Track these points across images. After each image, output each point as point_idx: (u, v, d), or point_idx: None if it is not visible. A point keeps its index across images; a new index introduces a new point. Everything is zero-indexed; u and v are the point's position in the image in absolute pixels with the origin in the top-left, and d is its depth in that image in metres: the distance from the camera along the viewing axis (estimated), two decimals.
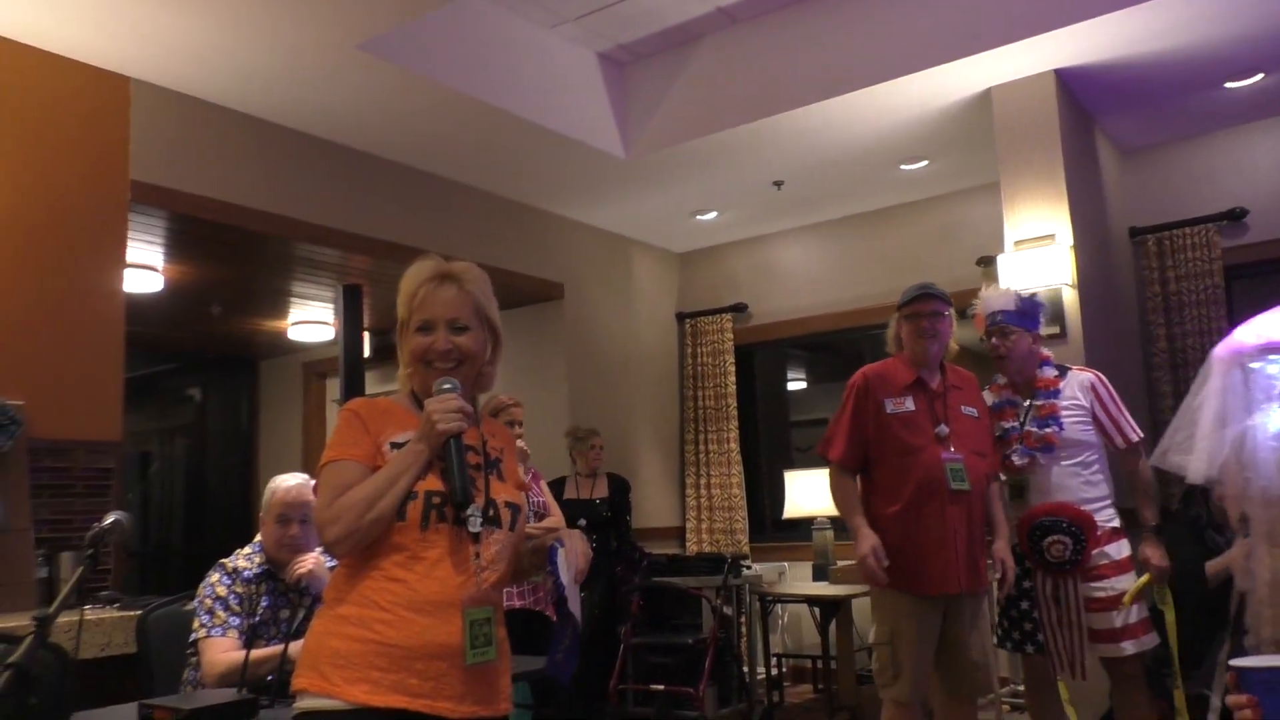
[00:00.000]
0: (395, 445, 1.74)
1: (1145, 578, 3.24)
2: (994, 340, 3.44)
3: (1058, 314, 4.42)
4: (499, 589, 1.77)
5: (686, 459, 6.92)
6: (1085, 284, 4.54)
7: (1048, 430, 3.32)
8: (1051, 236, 4.47)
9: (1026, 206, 4.58)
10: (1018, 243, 4.55)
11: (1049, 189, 4.53)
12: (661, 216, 6.43)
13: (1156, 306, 5.33)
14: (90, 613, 3.15)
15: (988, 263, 5.27)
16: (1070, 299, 4.45)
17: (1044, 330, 3.57)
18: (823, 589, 5.14)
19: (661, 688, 4.90)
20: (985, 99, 4.74)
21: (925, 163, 5.62)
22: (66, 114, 3.97)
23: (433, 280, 1.80)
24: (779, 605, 5.93)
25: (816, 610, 4.98)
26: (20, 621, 2.94)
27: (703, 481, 6.80)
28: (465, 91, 4.46)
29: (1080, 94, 4.83)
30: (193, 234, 4.71)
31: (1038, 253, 4.46)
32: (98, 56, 4.01)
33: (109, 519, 1.79)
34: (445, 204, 5.51)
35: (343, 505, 1.66)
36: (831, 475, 3.28)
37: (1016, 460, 3.35)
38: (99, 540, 1.75)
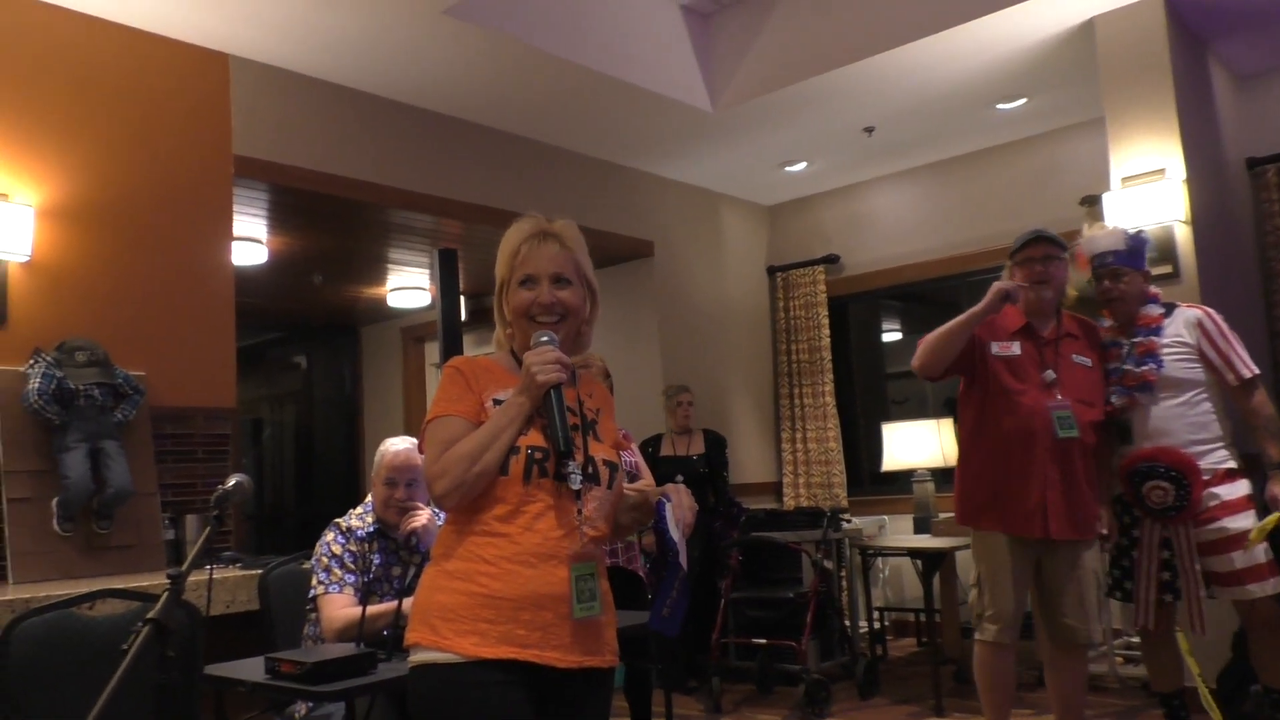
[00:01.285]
0: (497, 402, 1.77)
1: (1274, 516, 3.08)
2: (1106, 283, 3.30)
3: (1170, 252, 4.23)
4: (599, 545, 1.79)
5: (781, 413, 6.87)
6: (1199, 220, 4.32)
7: (1145, 369, 3.19)
8: (1162, 171, 4.26)
9: (1134, 141, 4.37)
10: (1125, 179, 4.35)
11: (1159, 121, 4.32)
12: (750, 169, 6.34)
13: (1278, 241, 5.04)
14: (215, 572, 3.31)
15: (1092, 202, 5.06)
16: (1183, 236, 4.25)
17: (1151, 268, 3.42)
18: (925, 541, 5.07)
19: (763, 641, 4.93)
20: (1088, 29, 4.52)
21: (1023, 101, 5.40)
22: (171, 93, 4.10)
23: (534, 237, 1.83)
24: (880, 559, 5.88)
25: (919, 563, 4.92)
26: (153, 581, 3.11)
27: (798, 436, 6.75)
28: (551, 51, 4.45)
29: (1190, 18, 4.56)
30: (293, 205, 4.84)
31: (1147, 189, 4.26)
32: (197, 35, 4.12)
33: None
34: (534, 165, 5.53)
35: (449, 459, 1.69)
36: (921, 346, 3.20)
37: (1115, 400, 3.24)
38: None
